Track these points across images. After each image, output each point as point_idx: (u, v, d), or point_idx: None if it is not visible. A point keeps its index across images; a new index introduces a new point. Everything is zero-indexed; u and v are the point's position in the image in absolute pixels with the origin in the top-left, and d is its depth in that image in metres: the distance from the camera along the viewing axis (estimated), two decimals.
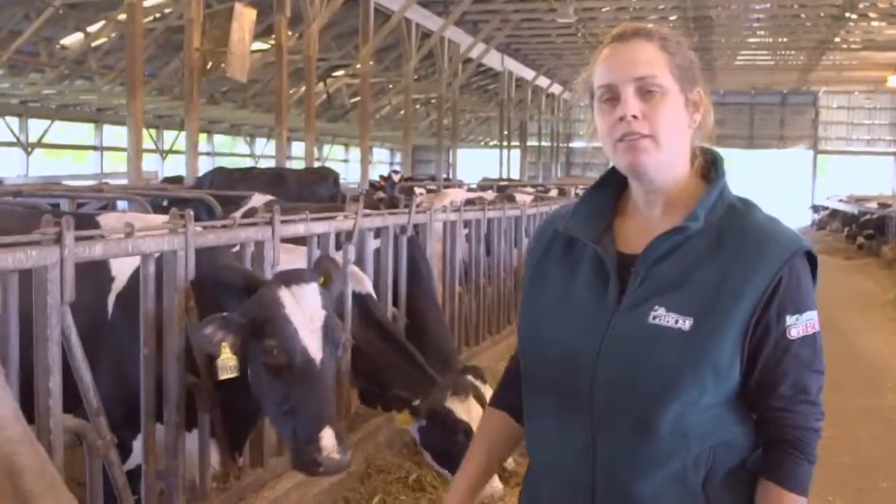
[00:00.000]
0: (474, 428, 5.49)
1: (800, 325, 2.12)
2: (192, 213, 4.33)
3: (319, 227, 5.60)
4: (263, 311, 3.94)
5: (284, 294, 3.96)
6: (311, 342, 3.92)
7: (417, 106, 36.46)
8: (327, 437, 3.79)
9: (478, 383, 6.17)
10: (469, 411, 5.60)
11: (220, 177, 11.78)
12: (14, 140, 26.16)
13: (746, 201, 2.26)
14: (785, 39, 32.46)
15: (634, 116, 2.13)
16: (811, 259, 2.18)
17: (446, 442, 5.60)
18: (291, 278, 4.06)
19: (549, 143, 44.22)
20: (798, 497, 2.14)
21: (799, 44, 33.04)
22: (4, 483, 3.00)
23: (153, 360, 4.10)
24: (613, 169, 2.33)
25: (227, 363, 3.91)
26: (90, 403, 3.79)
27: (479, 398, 5.62)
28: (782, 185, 47.81)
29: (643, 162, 2.16)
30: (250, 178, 11.60)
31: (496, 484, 3.15)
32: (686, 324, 2.10)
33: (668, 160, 2.19)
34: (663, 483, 2.14)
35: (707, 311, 2.09)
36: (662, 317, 2.12)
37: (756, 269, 2.10)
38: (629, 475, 2.15)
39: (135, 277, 4.22)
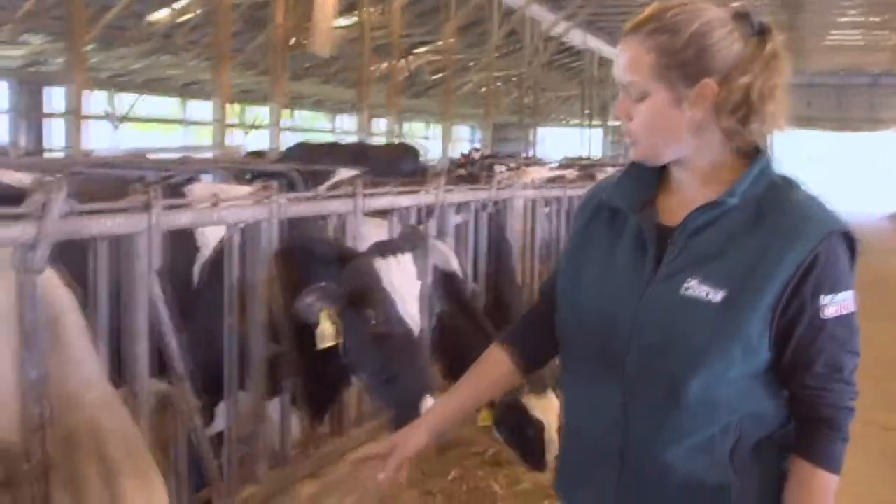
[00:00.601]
0: (549, 425, 5.52)
1: (835, 305, 2.13)
2: (277, 184, 4.37)
3: (402, 201, 5.61)
4: (362, 281, 3.96)
5: (382, 264, 3.99)
6: (410, 312, 3.95)
7: (499, 83, 36.29)
8: (428, 406, 3.81)
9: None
10: (545, 409, 5.59)
11: (303, 152, 11.87)
12: (103, 113, 26.66)
13: (788, 179, 2.26)
14: (877, 19, 31.60)
15: (622, 115, 2.28)
16: (850, 241, 2.18)
17: (519, 436, 5.61)
18: (388, 248, 4.09)
19: None
20: (832, 475, 2.17)
21: (892, 24, 32.13)
22: (88, 444, 3.08)
23: (237, 329, 4.15)
24: None
25: (327, 332, 3.95)
26: (176, 369, 3.86)
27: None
28: (872, 169, 46.67)
29: (635, 154, 2.31)
30: (332, 154, 11.67)
31: None
32: (718, 296, 2.13)
33: (659, 152, 2.28)
34: (691, 451, 2.18)
35: (739, 285, 2.12)
36: (695, 288, 2.15)
37: (792, 246, 2.11)
38: (658, 442, 2.20)
39: (220, 247, 4.28)
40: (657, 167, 2.35)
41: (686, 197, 2.28)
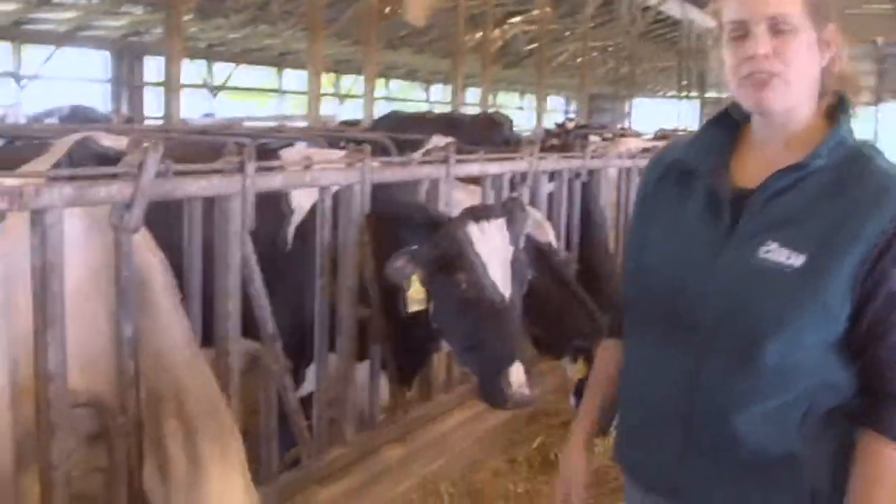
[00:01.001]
0: None
1: None
2: (369, 147, 4.38)
3: (494, 168, 5.58)
4: (453, 246, 3.95)
5: (473, 229, 3.97)
6: (500, 277, 3.93)
7: (594, 53, 35.91)
8: (516, 372, 3.79)
9: None
10: None
11: (396, 121, 11.88)
12: (200, 83, 27.08)
13: (871, 146, 2.18)
14: None
15: (766, 55, 2.09)
16: None
17: None
18: (480, 214, 4.06)
19: (728, 95, 42.80)
20: None
21: None
22: (170, 405, 3.14)
23: (327, 290, 4.17)
24: (732, 105, 2.30)
25: (417, 296, 3.96)
26: (267, 329, 3.90)
27: None
28: None
29: (771, 99, 2.12)
30: (425, 123, 11.65)
31: None
32: (798, 261, 2.06)
33: (795, 99, 2.14)
34: (762, 419, 2.13)
35: (820, 250, 2.05)
36: (774, 253, 2.09)
37: (873, 214, 2.04)
38: (728, 407, 2.14)
39: (313, 211, 4.30)
40: (730, 128, 2.29)
41: (766, 158, 2.20)
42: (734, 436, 2.14)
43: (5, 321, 2.84)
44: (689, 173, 2.29)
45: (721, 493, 2.20)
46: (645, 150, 9.24)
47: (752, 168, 2.22)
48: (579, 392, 5.53)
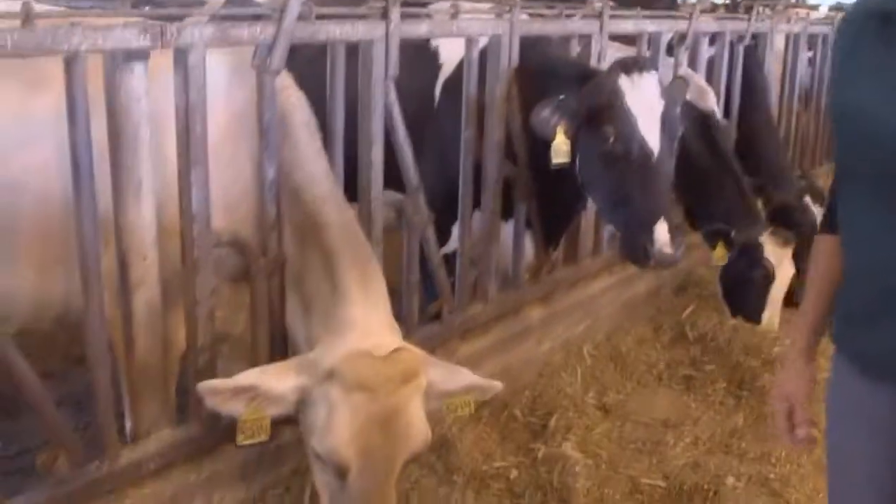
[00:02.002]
0: (778, 277, 5.25)
1: None
2: None
3: (651, 26, 5.33)
4: (602, 98, 3.82)
5: (625, 81, 3.82)
6: (650, 132, 3.79)
7: None
8: (661, 231, 3.69)
9: (809, 207, 5.85)
10: (780, 260, 5.33)
11: None
12: None
13: None
14: None
15: None
16: None
17: (742, 278, 5.40)
18: (632, 66, 3.89)
19: None
20: None
21: None
22: (310, 236, 3.16)
23: (473, 144, 4.11)
24: None
25: (561, 147, 3.86)
26: (410, 180, 3.87)
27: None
28: None
29: None
30: None
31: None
32: None
33: None
34: None
35: None
36: None
37: None
38: None
39: (462, 65, 4.20)
40: None
41: None
42: None
43: (152, 162, 2.88)
44: (889, 17, 2.07)
45: None
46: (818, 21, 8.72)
47: None
48: (731, 264, 5.39)
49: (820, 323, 2.43)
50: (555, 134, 3.82)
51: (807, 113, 8.17)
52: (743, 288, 5.45)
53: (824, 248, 2.42)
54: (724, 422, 4.55)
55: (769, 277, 5.35)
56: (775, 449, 4.01)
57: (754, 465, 3.92)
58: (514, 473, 3.94)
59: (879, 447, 2.23)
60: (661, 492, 3.86)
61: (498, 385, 3.23)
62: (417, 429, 2.90)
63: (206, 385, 2.84)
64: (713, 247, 5.39)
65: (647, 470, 4.04)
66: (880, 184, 2.07)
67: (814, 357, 2.43)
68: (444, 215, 4.21)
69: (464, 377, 3.11)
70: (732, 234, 5.30)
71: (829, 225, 2.39)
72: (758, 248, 5.31)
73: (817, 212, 5.84)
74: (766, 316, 5.42)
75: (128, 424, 3.16)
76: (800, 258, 5.56)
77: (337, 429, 2.79)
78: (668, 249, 3.70)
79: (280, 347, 3.42)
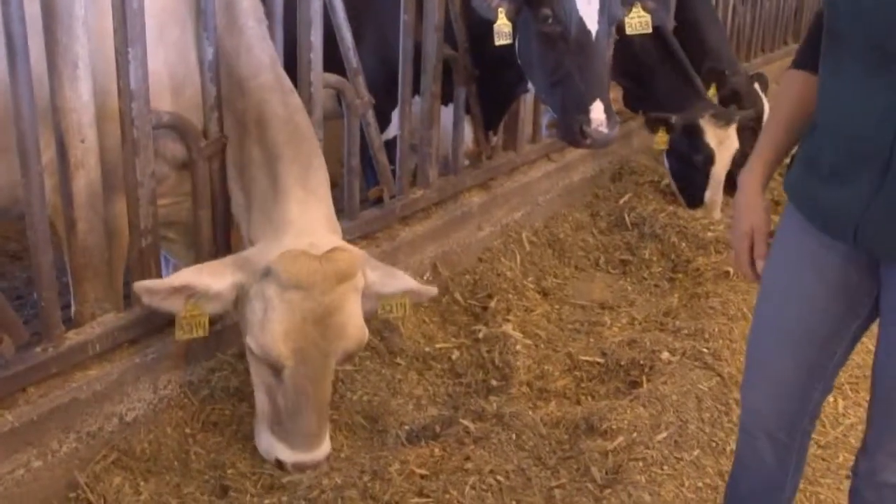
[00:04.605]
0: (719, 159, 5.34)
1: None
2: None
3: None
4: None
5: None
6: (588, 13, 3.80)
7: None
8: (597, 110, 3.74)
9: (759, 93, 5.93)
10: (721, 141, 5.41)
11: None
12: None
13: None
14: None
15: None
16: None
17: (685, 162, 5.49)
18: None
19: None
20: None
21: None
22: (254, 127, 3.14)
23: (412, 28, 4.07)
24: None
25: (503, 29, 3.87)
26: (350, 63, 3.84)
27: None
28: None
29: None
30: None
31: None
32: None
33: None
34: None
35: None
36: None
37: None
38: None
39: None
40: None
41: None
42: None
43: (89, 40, 2.82)
44: None
45: None
46: None
47: None
48: (674, 148, 5.48)
49: (776, 154, 2.49)
50: (497, 15, 3.81)
51: (743, 4, 8.17)
52: (685, 172, 5.55)
53: (792, 82, 2.47)
54: (658, 302, 4.68)
55: (709, 159, 5.44)
56: (708, 325, 4.13)
57: (688, 340, 4.03)
58: (455, 354, 4.02)
59: (820, 293, 2.36)
60: (598, 367, 3.97)
61: (433, 290, 3.32)
62: (353, 327, 2.96)
63: (141, 285, 2.86)
64: (654, 132, 5.45)
65: (585, 348, 4.15)
66: (857, 49, 2.12)
67: (764, 189, 2.49)
68: (384, 100, 4.19)
69: (401, 281, 3.17)
70: (673, 118, 5.37)
71: (801, 61, 2.46)
72: (697, 130, 5.39)
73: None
74: (707, 197, 5.53)
75: (73, 308, 3.16)
76: (747, 144, 5.68)
77: (272, 327, 2.84)
78: (603, 129, 3.75)
79: (223, 232, 3.42)
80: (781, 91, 2.53)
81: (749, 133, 5.70)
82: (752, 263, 2.48)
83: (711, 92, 5.82)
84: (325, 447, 3.09)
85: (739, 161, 5.60)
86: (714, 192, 5.54)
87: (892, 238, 2.15)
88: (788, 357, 2.47)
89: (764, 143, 2.50)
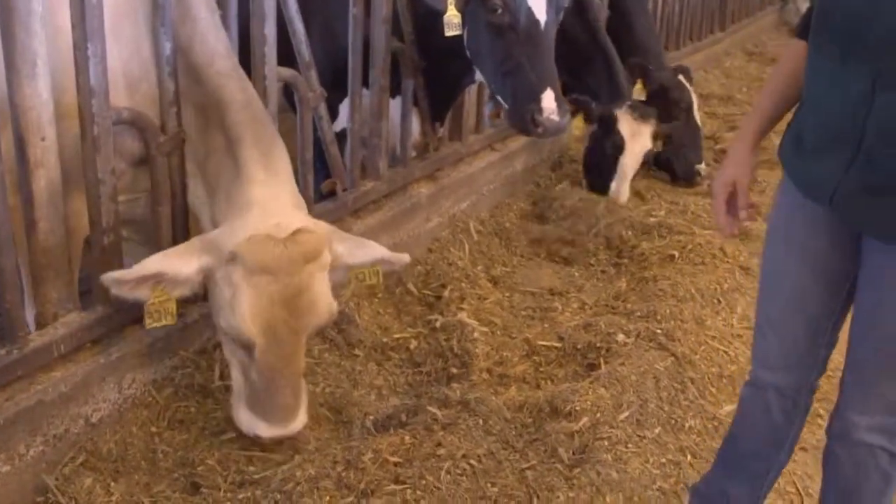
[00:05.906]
0: (629, 151, 5.44)
1: None
2: None
3: None
4: None
5: None
6: (536, 3, 3.86)
7: None
8: (548, 99, 3.80)
9: (685, 85, 6.04)
10: (634, 133, 5.51)
11: None
12: None
13: None
14: None
15: None
16: None
17: (596, 148, 5.60)
18: None
19: None
20: None
21: None
22: (212, 115, 3.13)
23: (361, 21, 4.08)
24: None
25: (452, 20, 3.91)
26: (302, 56, 3.84)
27: (655, 134, 5.64)
28: None
29: None
30: None
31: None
32: None
33: None
34: None
35: None
36: None
37: None
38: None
39: None
40: None
41: None
42: None
43: (48, 38, 2.78)
44: None
45: (875, 209, 2.23)
46: None
47: None
48: (586, 152, 5.60)
49: (768, 119, 2.59)
50: (446, 6, 3.85)
51: None
52: (594, 157, 5.68)
53: (792, 51, 2.56)
54: (607, 287, 4.75)
55: (618, 148, 5.54)
56: (659, 307, 4.21)
57: (641, 322, 4.11)
58: (413, 343, 4.05)
59: (806, 269, 2.48)
60: (556, 352, 4.03)
61: (406, 257, 3.33)
62: (322, 304, 2.99)
63: (109, 276, 2.85)
64: (574, 114, 5.53)
65: (542, 333, 4.20)
66: (835, 34, 2.22)
67: (756, 149, 2.59)
68: (333, 93, 4.19)
69: (372, 250, 3.20)
70: (592, 105, 5.47)
71: (800, 30, 2.55)
72: (612, 119, 5.50)
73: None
74: (613, 186, 5.62)
75: (33, 311, 3.10)
76: (674, 135, 5.80)
77: (240, 309, 2.86)
78: (555, 117, 3.82)
79: (182, 227, 3.40)
80: (780, 58, 2.64)
81: (681, 124, 5.90)
82: (727, 214, 2.58)
83: (639, 87, 5.93)
84: (300, 419, 3.10)
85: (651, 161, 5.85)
86: (620, 182, 5.63)
87: (861, 211, 2.27)
88: (798, 311, 2.56)
89: (757, 104, 2.62)
